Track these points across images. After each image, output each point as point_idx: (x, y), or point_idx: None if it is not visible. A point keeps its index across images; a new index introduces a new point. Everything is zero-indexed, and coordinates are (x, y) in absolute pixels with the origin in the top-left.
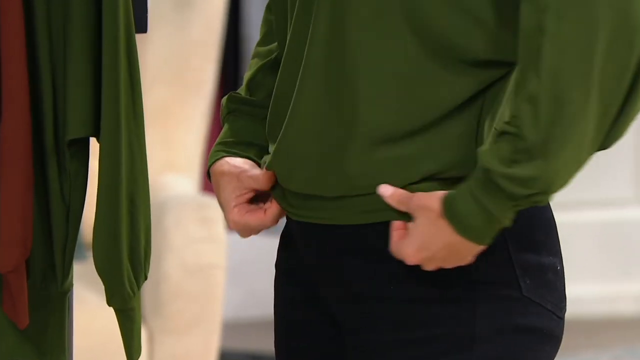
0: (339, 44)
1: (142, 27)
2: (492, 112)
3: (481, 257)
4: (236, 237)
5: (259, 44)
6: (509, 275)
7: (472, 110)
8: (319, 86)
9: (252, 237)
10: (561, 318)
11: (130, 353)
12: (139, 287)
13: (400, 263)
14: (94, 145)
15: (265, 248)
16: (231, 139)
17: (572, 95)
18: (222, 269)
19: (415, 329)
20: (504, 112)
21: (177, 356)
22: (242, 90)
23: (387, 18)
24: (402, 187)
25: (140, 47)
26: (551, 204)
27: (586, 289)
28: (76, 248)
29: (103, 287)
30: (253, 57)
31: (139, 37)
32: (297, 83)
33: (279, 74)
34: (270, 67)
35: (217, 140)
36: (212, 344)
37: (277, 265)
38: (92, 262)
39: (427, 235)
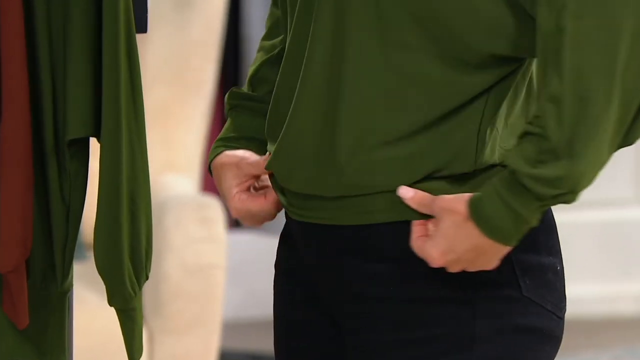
0: (340, 44)
1: (142, 27)
2: (496, 110)
3: None
4: (236, 237)
5: (264, 37)
6: (509, 275)
7: (476, 109)
8: (320, 87)
9: (252, 237)
10: (561, 318)
11: (132, 353)
12: (140, 286)
13: (400, 263)
14: (94, 145)
15: (265, 248)
16: (232, 134)
17: (595, 94)
18: (222, 269)
19: (415, 329)
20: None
21: (177, 356)
22: (245, 86)
23: (389, 17)
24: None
25: (140, 47)
26: None
27: (586, 289)
28: (76, 248)
29: (103, 287)
30: (258, 51)
31: (139, 37)
32: (298, 84)
33: (279, 74)
34: (274, 61)
35: (219, 136)
36: (212, 344)
37: (277, 265)
38: (92, 262)
39: (453, 237)
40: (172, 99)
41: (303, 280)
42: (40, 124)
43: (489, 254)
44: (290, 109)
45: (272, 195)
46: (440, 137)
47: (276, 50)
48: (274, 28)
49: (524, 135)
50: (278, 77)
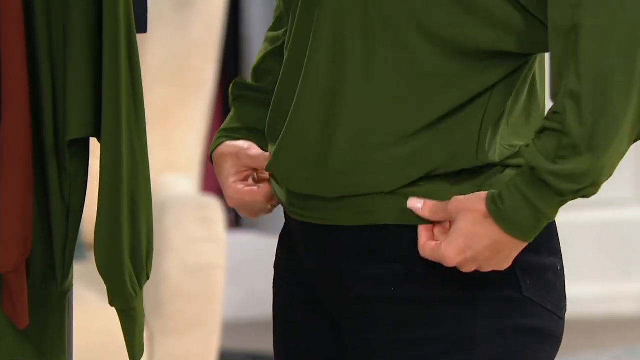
0: (341, 44)
1: (142, 27)
2: (498, 109)
3: None
4: (236, 237)
5: (271, 28)
6: (510, 275)
7: (477, 108)
8: (321, 87)
9: (252, 237)
10: (561, 318)
11: (133, 353)
12: (141, 287)
13: (400, 264)
14: (94, 145)
15: (265, 248)
16: (235, 125)
17: (615, 88)
18: (222, 269)
19: (415, 329)
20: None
21: (177, 356)
22: (249, 76)
23: (389, 17)
24: (402, 187)
25: (140, 47)
26: None
27: (586, 289)
28: (76, 248)
29: (103, 287)
30: (264, 41)
31: (139, 37)
32: (299, 84)
33: (281, 74)
34: (277, 53)
35: (222, 126)
36: (212, 344)
37: (277, 266)
38: (93, 262)
39: (471, 235)
40: (172, 99)
41: (303, 282)
42: (40, 124)
43: (505, 252)
44: (291, 111)
45: (265, 188)
46: (441, 136)
47: (280, 42)
48: (280, 19)
49: (543, 131)
50: (279, 78)
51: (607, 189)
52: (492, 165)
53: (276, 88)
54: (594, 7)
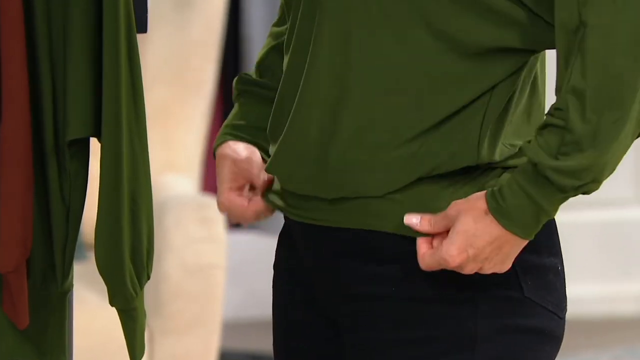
0: (343, 43)
1: (142, 27)
2: (499, 107)
3: None
4: (236, 237)
5: (275, 23)
6: (510, 275)
7: (478, 107)
8: (323, 86)
9: (252, 237)
10: (562, 318)
11: (133, 353)
12: (141, 286)
13: (400, 264)
14: (94, 145)
15: (265, 248)
16: (241, 122)
17: (620, 86)
18: (222, 269)
19: (415, 329)
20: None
21: (177, 356)
22: (253, 71)
23: (392, 15)
24: (401, 188)
25: (140, 47)
26: None
27: (586, 289)
28: (76, 248)
29: (103, 287)
30: (268, 36)
31: (139, 37)
32: (301, 84)
33: (283, 76)
34: (281, 48)
35: (226, 121)
36: (212, 344)
37: (276, 265)
38: (93, 262)
39: (472, 232)
40: (172, 99)
41: (303, 281)
42: (40, 124)
43: (505, 249)
44: (293, 108)
45: (255, 205)
46: (442, 136)
47: (283, 38)
48: (284, 16)
49: (545, 127)
50: (282, 77)
51: (607, 188)
52: (492, 167)
53: (279, 89)
54: (601, 5)
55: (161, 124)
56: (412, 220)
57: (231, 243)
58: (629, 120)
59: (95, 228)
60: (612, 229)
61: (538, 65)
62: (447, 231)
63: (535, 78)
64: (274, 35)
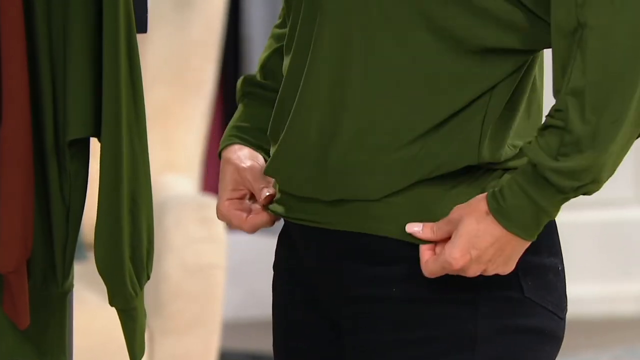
0: (344, 44)
1: (142, 27)
2: (499, 108)
3: None
4: (236, 237)
5: (277, 25)
6: (511, 276)
7: (480, 108)
8: (323, 88)
9: (252, 237)
10: (562, 319)
11: (134, 353)
12: (141, 287)
13: (401, 265)
14: (94, 145)
15: (265, 248)
16: (246, 124)
17: (619, 87)
18: (222, 269)
19: (415, 329)
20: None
21: (177, 356)
22: (257, 73)
23: (395, 20)
24: (401, 190)
25: (140, 47)
26: None
27: (586, 289)
28: (76, 248)
29: (103, 287)
30: (270, 38)
31: (139, 37)
32: (301, 85)
33: (283, 78)
34: (282, 51)
35: (231, 122)
36: (212, 344)
37: (276, 265)
38: (93, 262)
39: (474, 234)
40: (172, 99)
41: (303, 281)
42: (41, 124)
43: (507, 250)
44: (293, 109)
45: (254, 219)
46: (442, 137)
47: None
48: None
49: (545, 128)
50: (283, 80)
51: (607, 189)
52: (493, 169)
53: (280, 91)
54: (599, 6)
55: (161, 124)
56: (414, 228)
57: (231, 243)
58: (627, 120)
59: (95, 228)
60: (612, 229)
61: (537, 66)
62: (450, 237)
63: (534, 79)
64: (277, 37)
